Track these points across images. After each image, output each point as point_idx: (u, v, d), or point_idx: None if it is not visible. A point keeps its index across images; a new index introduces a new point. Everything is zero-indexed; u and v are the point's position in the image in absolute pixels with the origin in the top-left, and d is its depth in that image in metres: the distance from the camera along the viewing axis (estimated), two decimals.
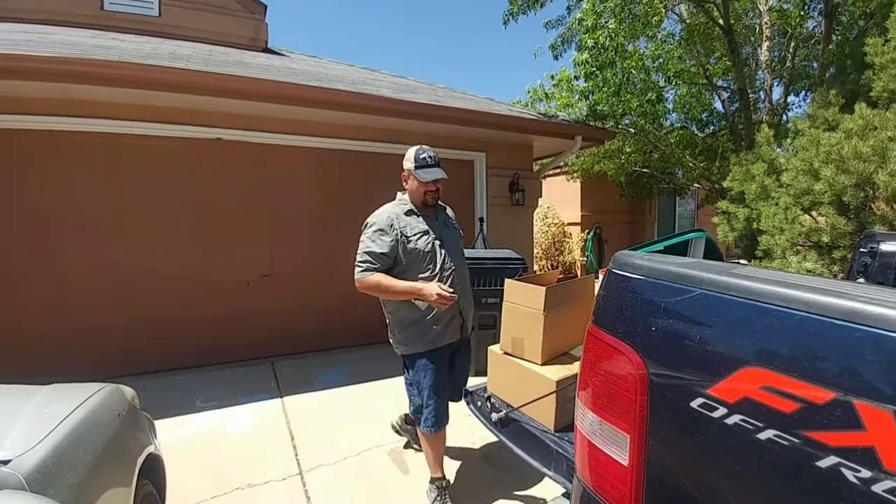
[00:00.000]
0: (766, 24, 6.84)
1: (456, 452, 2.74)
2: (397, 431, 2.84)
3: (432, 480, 2.29)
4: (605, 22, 5.72)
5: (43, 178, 3.74)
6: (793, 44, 6.84)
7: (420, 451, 2.79)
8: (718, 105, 8.38)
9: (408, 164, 2.19)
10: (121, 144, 3.94)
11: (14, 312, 3.68)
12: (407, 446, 2.87)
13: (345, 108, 4.19)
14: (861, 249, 1.92)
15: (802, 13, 6.66)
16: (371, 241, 2.10)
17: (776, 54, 7.26)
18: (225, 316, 4.39)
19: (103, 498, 1.37)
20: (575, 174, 10.17)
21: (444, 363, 2.13)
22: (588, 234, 10.29)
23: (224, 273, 4.40)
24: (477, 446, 2.86)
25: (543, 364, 1.42)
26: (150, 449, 1.79)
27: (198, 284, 4.28)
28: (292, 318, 4.67)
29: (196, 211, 4.27)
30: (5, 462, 1.16)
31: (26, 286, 3.72)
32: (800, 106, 8.43)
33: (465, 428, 2.92)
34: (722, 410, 0.73)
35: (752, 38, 7.66)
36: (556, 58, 6.62)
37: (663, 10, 6.28)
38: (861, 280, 1.85)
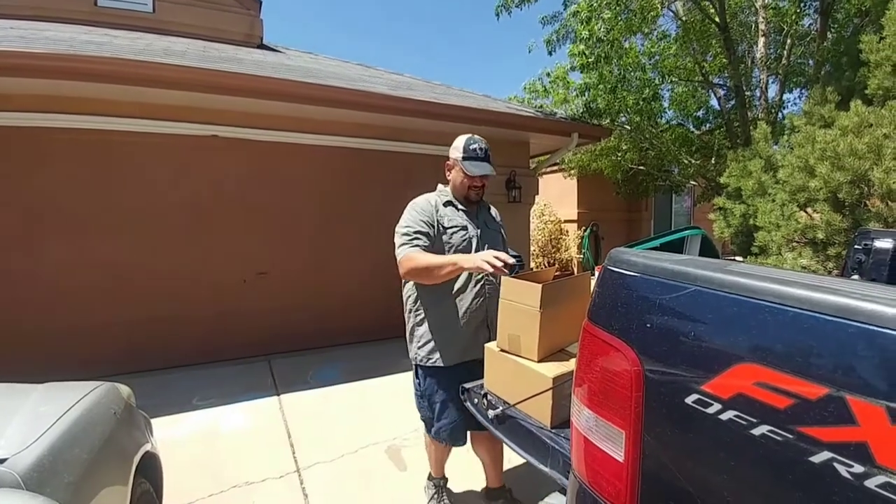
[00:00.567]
0: (761, 21, 6.85)
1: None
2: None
3: (430, 477, 2.25)
4: (600, 14, 5.71)
5: (36, 175, 3.71)
6: (788, 41, 6.86)
7: (419, 448, 2.80)
8: (714, 102, 8.41)
9: (455, 152, 1.98)
10: (115, 142, 3.91)
11: (9, 311, 3.66)
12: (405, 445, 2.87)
13: (341, 105, 4.18)
14: (856, 246, 1.92)
15: (798, 10, 6.68)
16: (414, 222, 1.88)
17: (772, 52, 7.28)
18: (221, 314, 4.38)
19: (100, 496, 1.36)
20: (571, 171, 10.18)
21: (463, 381, 1.80)
22: (585, 231, 10.31)
23: (220, 271, 4.39)
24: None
25: (539, 361, 1.42)
26: (147, 447, 1.79)
27: (194, 282, 4.27)
28: (289, 315, 4.66)
29: (192, 208, 4.25)
30: (1, 461, 1.16)
31: (21, 285, 3.70)
32: (795, 103, 8.47)
33: None
34: (716, 406, 0.73)
35: (747, 36, 7.67)
36: (550, 53, 6.62)
37: (659, 7, 6.27)
38: (855, 277, 1.86)
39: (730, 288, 0.75)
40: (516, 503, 2.19)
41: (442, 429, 1.94)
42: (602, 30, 5.73)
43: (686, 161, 7.83)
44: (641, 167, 9.12)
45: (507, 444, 1.41)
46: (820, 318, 0.65)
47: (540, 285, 1.39)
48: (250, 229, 4.50)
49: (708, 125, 8.70)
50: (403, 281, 1.97)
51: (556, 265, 9.59)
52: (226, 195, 4.38)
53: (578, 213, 10.64)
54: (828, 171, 3.44)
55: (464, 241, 1.93)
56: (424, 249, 1.83)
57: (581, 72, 6.36)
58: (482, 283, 1.92)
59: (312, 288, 4.81)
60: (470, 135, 1.99)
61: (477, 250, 1.91)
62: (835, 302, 0.64)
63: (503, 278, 1.56)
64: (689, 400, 0.77)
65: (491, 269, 1.58)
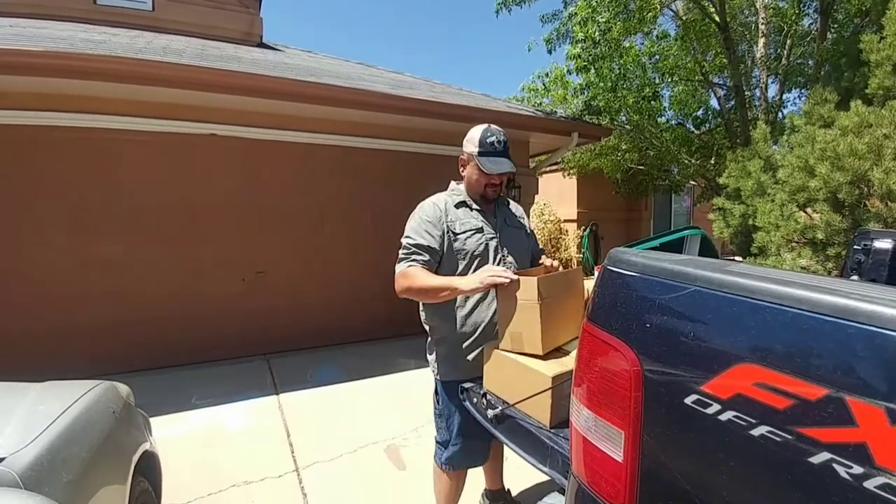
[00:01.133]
0: (762, 21, 6.84)
1: None
2: None
3: None
4: (598, 17, 5.71)
5: (33, 174, 3.71)
6: (788, 41, 6.85)
7: (418, 448, 2.80)
8: (714, 102, 8.40)
9: (469, 146, 1.78)
10: (113, 140, 3.91)
11: (6, 310, 3.65)
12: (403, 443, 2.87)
13: (340, 104, 4.18)
14: (855, 247, 1.92)
15: (798, 10, 6.67)
16: (416, 234, 1.71)
17: (772, 51, 7.27)
18: (220, 313, 4.38)
19: (99, 495, 1.36)
20: (571, 171, 10.18)
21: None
22: (584, 230, 10.31)
23: (219, 270, 4.38)
24: None
25: (545, 355, 1.42)
26: (146, 446, 1.79)
27: (192, 281, 4.27)
28: (288, 315, 4.66)
29: (190, 207, 4.25)
30: (0, 460, 1.16)
31: (18, 284, 3.70)
32: (795, 103, 8.46)
33: None
34: (715, 407, 0.73)
35: (747, 36, 7.66)
36: (549, 52, 6.62)
37: (658, 7, 6.27)
38: (855, 277, 1.86)
39: (729, 288, 0.75)
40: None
41: (458, 452, 1.79)
42: (598, 32, 5.73)
43: (685, 161, 7.83)
44: (641, 167, 9.12)
45: (505, 443, 1.41)
46: (819, 319, 0.65)
47: (535, 278, 1.39)
48: (249, 228, 4.50)
49: (708, 125, 8.69)
50: None
51: (542, 266, 9.62)
52: (224, 194, 4.38)
53: (578, 212, 10.64)
54: (827, 172, 3.44)
55: (480, 245, 1.75)
56: (426, 265, 1.68)
57: (577, 74, 6.37)
58: None
59: (311, 287, 4.81)
60: (486, 125, 1.79)
61: (496, 254, 1.77)
62: (834, 302, 0.64)
63: None
64: (689, 400, 0.77)
65: (491, 286, 1.51)
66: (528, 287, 1.41)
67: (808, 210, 3.91)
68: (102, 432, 1.54)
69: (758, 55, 6.97)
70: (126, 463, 1.60)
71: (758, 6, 6.90)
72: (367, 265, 4.92)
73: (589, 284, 1.69)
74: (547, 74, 8.29)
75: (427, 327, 1.86)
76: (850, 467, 0.59)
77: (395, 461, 2.72)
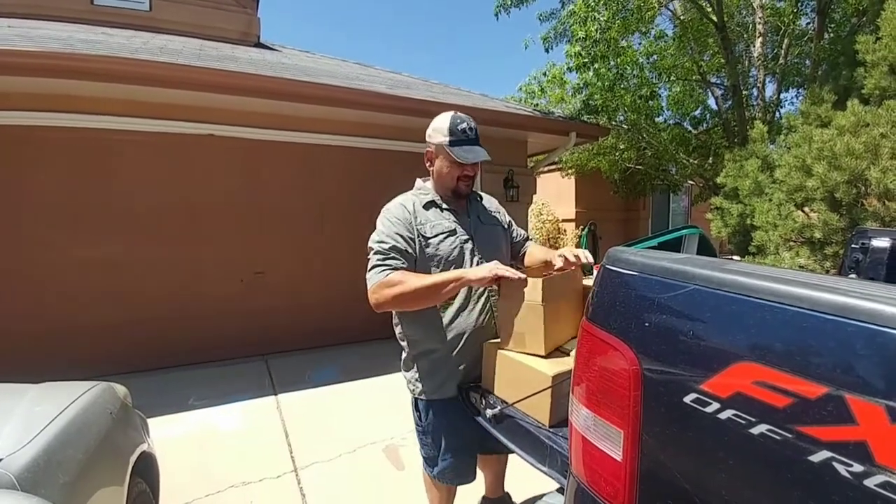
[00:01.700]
0: (759, 20, 6.86)
1: None
2: None
3: None
4: (598, 16, 5.72)
5: (31, 175, 3.70)
6: (786, 41, 6.87)
7: (416, 448, 2.79)
8: (712, 102, 8.43)
9: (437, 136, 1.60)
10: (111, 140, 3.90)
11: (4, 311, 3.64)
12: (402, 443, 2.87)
13: (338, 104, 4.17)
14: (853, 245, 1.93)
15: (795, 10, 6.70)
16: (389, 237, 1.56)
17: (769, 51, 7.29)
18: (218, 313, 4.37)
19: (96, 496, 1.36)
20: (569, 170, 10.19)
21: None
22: (582, 230, 10.32)
23: (217, 270, 4.38)
24: None
25: (547, 354, 1.42)
26: (143, 447, 1.78)
27: (191, 282, 4.26)
28: (286, 315, 4.65)
29: (188, 207, 4.24)
30: None
31: (16, 284, 3.68)
32: (792, 103, 8.50)
33: None
34: (715, 405, 0.73)
35: (745, 35, 7.68)
36: (547, 50, 6.62)
37: (657, 6, 6.28)
38: (853, 276, 1.86)
39: (729, 287, 0.75)
40: None
41: (448, 468, 1.68)
42: (597, 30, 5.74)
43: (683, 160, 7.85)
44: (639, 166, 9.14)
45: (504, 443, 1.41)
46: (819, 317, 0.64)
47: (540, 280, 1.38)
48: (247, 229, 4.49)
49: (705, 125, 8.72)
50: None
51: (543, 264, 9.66)
52: (222, 194, 4.37)
53: (576, 212, 10.66)
54: (825, 171, 3.45)
55: (454, 248, 1.59)
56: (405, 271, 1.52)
57: (577, 72, 6.37)
58: (486, 294, 1.63)
59: (310, 287, 4.80)
60: (453, 112, 1.63)
61: (472, 258, 1.60)
62: (835, 300, 0.64)
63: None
64: (688, 399, 0.77)
65: (499, 278, 1.39)
66: (533, 288, 1.40)
67: (806, 209, 3.92)
68: (100, 433, 1.53)
69: (755, 55, 7.00)
70: (123, 464, 1.59)
71: (755, 6, 6.92)
72: (365, 265, 4.90)
73: (588, 283, 1.69)
74: (544, 74, 8.30)
75: (403, 342, 1.70)
76: (850, 466, 0.59)
77: (394, 461, 2.72)
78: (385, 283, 1.50)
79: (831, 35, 6.60)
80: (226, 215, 4.39)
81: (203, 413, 3.28)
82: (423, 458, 1.78)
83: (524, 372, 1.39)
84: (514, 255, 1.93)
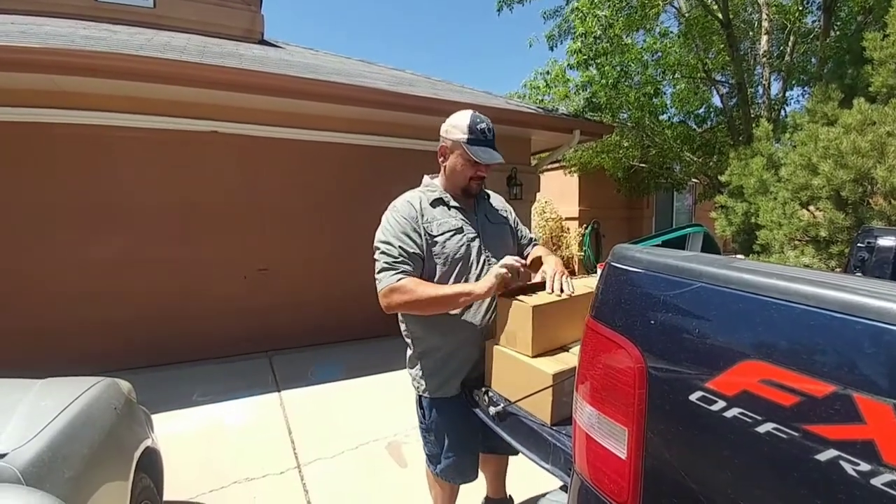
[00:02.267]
0: (764, 18, 6.82)
1: None
2: None
3: None
4: (598, 11, 5.69)
5: (33, 171, 3.71)
6: (791, 38, 6.83)
7: (419, 445, 2.80)
8: (717, 100, 8.38)
9: (455, 133, 1.58)
10: (113, 137, 3.91)
11: (9, 307, 3.66)
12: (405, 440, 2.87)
13: (341, 101, 4.17)
14: (858, 244, 1.91)
15: (801, 8, 6.64)
16: (398, 238, 1.54)
17: (774, 49, 7.25)
18: (222, 310, 4.38)
19: (100, 492, 1.37)
20: (573, 168, 10.16)
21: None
22: (586, 228, 10.30)
23: (220, 267, 4.39)
24: None
25: (547, 352, 1.42)
26: (147, 443, 1.79)
27: (194, 278, 4.27)
28: (290, 312, 4.66)
29: (192, 204, 4.25)
30: (1, 456, 1.16)
31: (20, 281, 3.70)
32: (798, 101, 8.43)
33: None
34: (721, 404, 0.73)
35: (750, 33, 7.64)
36: (551, 48, 6.61)
37: (661, 3, 6.25)
38: (858, 275, 1.85)
39: (735, 284, 0.75)
40: None
41: (450, 466, 1.68)
42: (598, 26, 5.71)
43: (687, 158, 7.82)
44: (643, 164, 9.11)
45: (508, 440, 1.41)
46: (827, 315, 0.64)
47: (531, 306, 1.38)
48: (250, 226, 4.49)
49: (710, 122, 8.67)
50: None
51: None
52: (226, 191, 4.38)
53: (580, 210, 10.63)
54: (831, 169, 3.43)
55: (460, 247, 1.58)
56: (415, 275, 1.52)
57: (577, 70, 6.34)
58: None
59: (313, 284, 4.81)
60: (471, 111, 1.63)
61: (478, 256, 1.60)
62: (842, 298, 0.63)
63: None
64: (693, 397, 0.76)
65: (508, 275, 1.43)
66: (527, 301, 1.41)
67: (811, 208, 3.90)
68: (104, 429, 1.54)
69: (760, 52, 6.96)
70: (128, 459, 1.60)
71: (760, 3, 6.88)
72: (369, 262, 4.89)
73: (591, 282, 1.68)
74: (548, 72, 8.27)
75: (409, 339, 1.71)
76: (858, 464, 0.59)
77: (397, 458, 2.72)
78: (396, 288, 1.50)
79: (837, 33, 6.55)
80: (229, 211, 4.39)
81: (207, 409, 3.29)
82: (427, 455, 1.78)
83: (526, 370, 1.38)
84: (520, 256, 1.92)
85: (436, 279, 1.58)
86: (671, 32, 7.45)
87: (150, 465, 1.84)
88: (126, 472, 1.55)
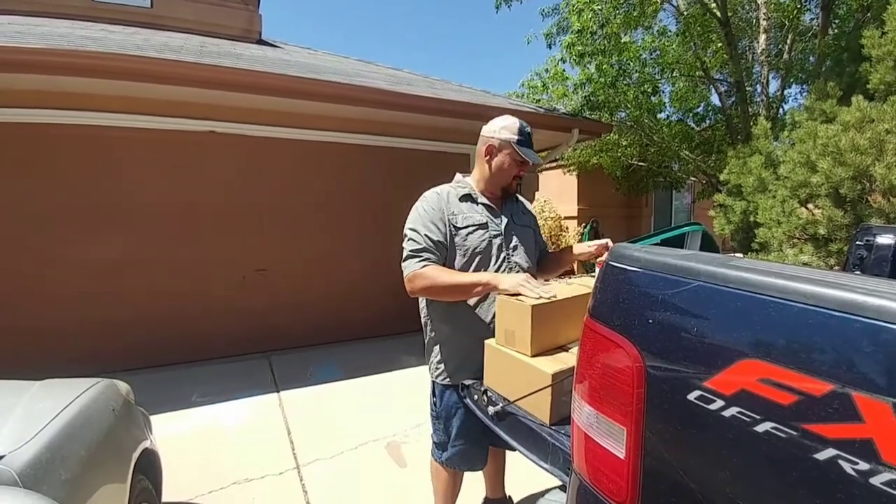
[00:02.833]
0: (763, 16, 6.81)
1: None
2: None
3: None
4: (594, 6, 5.68)
5: (30, 172, 3.70)
6: (789, 36, 6.83)
7: (419, 445, 2.80)
8: (715, 98, 8.39)
9: (506, 133, 1.68)
10: (111, 137, 3.90)
11: (6, 308, 3.65)
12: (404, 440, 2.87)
13: (339, 101, 4.16)
14: (857, 242, 1.91)
15: (799, 6, 6.65)
16: (424, 227, 1.62)
17: (773, 47, 7.25)
18: (220, 311, 4.38)
19: (98, 493, 1.36)
20: (571, 167, 10.16)
21: None
22: (585, 227, 10.30)
23: (219, 268, 4.38)
24: None
25: (545, 352, 1.42)
26: (146, 444, 1.79)
27: (192, 279, 4.26)
28: (289, 312, 4.66)
29: (190, 204, 4.24)
30: None
31: (17, 282, 3.69)
32: (796, 99, 8.45)
33: None
34: (719, 403, 0.72)
35: (748, 31, 7.63)
36: (549, 46, 6.59)
37: (659, 0, 6.24)
38: (857, 273, 1.85)
39: (733, 283, 0.74)
40: None
41: (457, 454, 1.74)
42: (594, 22, 5.70)
43: (686, 157, 7.82)
44: (641, 163, 9.11)
45: (507, 440, 1.41)
46: (826, 314, 0.64)
47: (530, 306, 1.38)
48: (249, 226, 4.49)
49: (708, 121, 8.68)
50: None
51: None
52: (224, 191, 4.37)
53: (578, 209, 10.64)
54: (829, 167, 3.42)
55: (482, 241, 1.65)
56: (439, 262, 1.61)
57: (573, 65, 6.33)
58: None
59: (312, 285, 4.80)
60: (515, 117, 1.75)
61: (499, 253, 1.67)
62: (841, 297, 0.63)
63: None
64: (692, 396, 0.76)
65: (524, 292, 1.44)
66: (526, 301, 1.41)
67: (810, 206, 3.90)
68: (102, 430, 1.53)
69: (759, 50, 6.95)
70: (126, 461, 1.59)
71: (759, 1, 6.87)
72: (367, 262, 4.92)
73: (590, 282, 1.67)
74: (546, 70, 8.27)
75: (426, 327, 1.78)
76: (856, 463, 0.59)
77: (396, 458, 2.72)
78: (419, 274, 1.58)
79: (836, 30, 6.55)
80: (227, 212, 4.39)
81: (206, 410, 3.29)
82: (434, 443, 1.83)
83: (524, 370, 1.38)
84: (539, 259, 1.96)
85: (455, 269, 1.65)
86: (669, 31, 7.45)
87: (149, 467, 1.84)
88: (124, 474, 1.55)
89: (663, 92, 7.80)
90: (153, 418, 2.08)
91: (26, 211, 3.70)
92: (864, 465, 0.58)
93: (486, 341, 1.56)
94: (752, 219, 4.34)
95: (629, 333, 0.87)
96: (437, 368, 1.75)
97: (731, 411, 0.71)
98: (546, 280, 1.80)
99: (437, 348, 1.75)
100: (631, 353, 0.85)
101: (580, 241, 10.23)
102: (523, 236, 1.78)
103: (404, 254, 1.64)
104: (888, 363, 0.58)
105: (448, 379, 1.71)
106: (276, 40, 6.69)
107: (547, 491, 1.68)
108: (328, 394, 3.63)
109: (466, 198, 1.71)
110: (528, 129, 1.71)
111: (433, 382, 1.79)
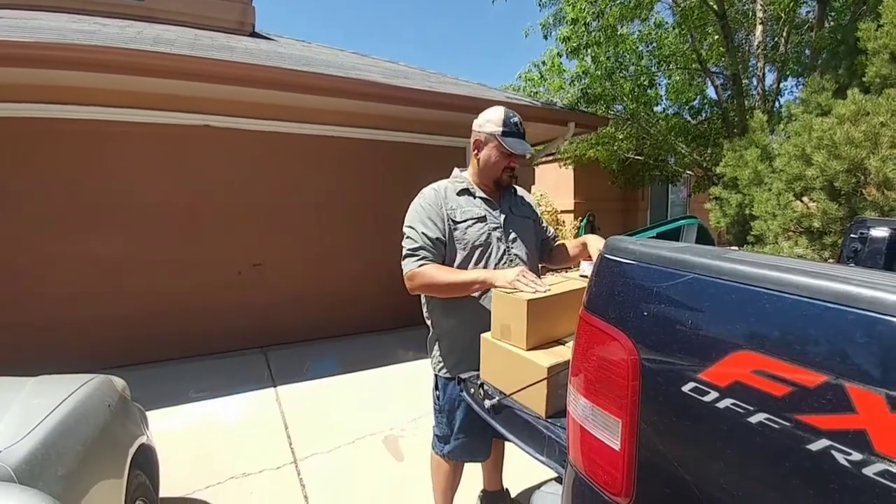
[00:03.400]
0: (759, 8, 6.80)
1: None
2: None
3: None
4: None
5: (23, 168, 3.66)
6: (786, 29, 6.82)
7: (416, 439, 2.81)
8: (711, 92, 8.38)
9: (490, 126, 1.66)
10: (104, 132, 3.86)
11: (2, 304, 3.63)
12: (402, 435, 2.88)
13: (335, 94, 4.13)
14: (851, 235, 1.92)
15: None
16: (422, 224, 1.63)
17: (769, 40, 7.24)
18: (216, 306, 4.36)
19: (94, 489, 1.36)
20: (567, 161, 10.15)
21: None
22: (581, 221, 10.31)
23: (214, 262, 4.36)
24: None
25: (541, 345, 1.42)
26: (142, 439, 1.79)
27: (188, 274, 4.25)
28: (285, 307, 4.65)
29: (185, 199, 4.21)
30: None
31: (14, 277, 3.67)
32: (792, 92, 8.45)
33: None
34: (713, 395, 0.73)
35: (745, 24, 7.62)
36: (545, 37, 6.55)
37: None
38: (851, 265, 1.86)
39: (728, 275, 0.74)
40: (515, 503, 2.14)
41: (459, 447, 1.75)
42: (589, 13, 5.67)
43: (682, 150, 7.82)
44: (638, 157, 9.11)
45: (503, 433, 1.41)
46: (819, 305, 0.64)
47: (525, 300, 1.38)
48: (245, 221, 4.47)
49: (704, 114, 8.68)
50: None
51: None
52: (219, 185, 4.34)
53: (575, 203, 10.65)
54: (824, 160, 3.43)
55: (482, 235, 1.65)
56: (437, 259, 1.62)
57: (568, 58, 6.31)
58: None
59: (308, 279, 4.79)
60: (504, 107, 1.70)
61: (498, 246, 1.67)
62: (835, 289, 0.63)
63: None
64: (686, 388, 0.76)
65: (521, 287, 1.44)
66: (521, 295, 1.40)
67: (805, 199, 3.91)
68: (98, 426, 1.53)
69: (755, 43, 6.94)
70: (122, 456, 1.59)
71: None
72: (364, 256, 4.91)
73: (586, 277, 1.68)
74: (543, 62, 8.24)
75: (429, 321, 1.79)
76: (849, 454, 0.59)
77: (394, 452, 2.73)
78: (417, 273, 1.60)
79: (832, 23, 6.54)
80: (222, 206, 4.36)
81: (202, 405, 3.29)
82: (436, 436, 1.83)
83: (520, 364, 1.38)
84: (543, 250, 1.96)
85: (456, 264, 1.66)
86: (666, 23, 7.42)
87: (146, 462, 1.84)
88: (120, 470, 1.55)
89: (659, 85, 7.79)
90: (150, 414, 2.08)
91: (20, 207, 3.66)
92: (856, 456, 0.58)
93: (483, 335, 1.56)
94: (747, 212, 4.35)
95: (624, 326, 0.87)
96: (439, 362, 1.76)
97: (725, 403, 0.71)
98: (546, 271, 1.80)
99: (438, 342, 1.76)
100: (626, 345, 0.85)
101: (576, 235, 10.25)
102: (523, 228, 1.78)
103: (403, 252, 1.65)
104: (882, 354, 0.58)
105: (450, 373, 1.73)
106: (270, 33, 6.63)
107: (543, 483, 1.69)
108: (325, 388, 3.63)
109: (464, 192, 1.71)
110: (516, 118, 1.67)
111: (436, 376, 1.80)
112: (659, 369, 0.82)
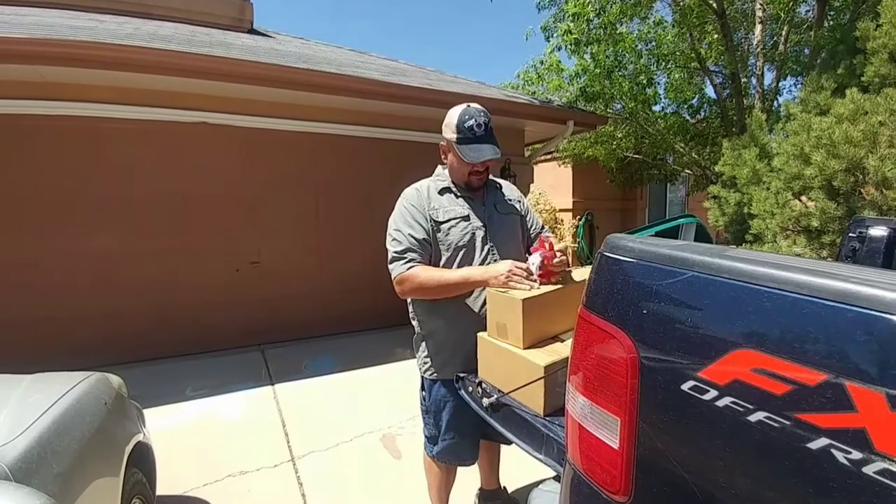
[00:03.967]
0: (758, 7, 6.80)
1: None
2: None
3: None
4: None
5: (19, 164, 3.65)
6: (785, 28, 6.82)
7: (413, 437, 2.81)
8: (710, 91, 8.38)
9: (447, 132, 1.63)
10: (101, 128, 3.85)
11: (1, 302, 3.62)
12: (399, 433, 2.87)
13: (333, 91, 4.12)
14: (850, 234, 1.92)
15: None
16: (407, 225, 1.60)
17: (768, 39, 7.24)
18: (213, 304, 4.36)
19: (91, 487, 1.35)
20: (566, 160, 10.14)
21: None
22: (579, 220, 10.31)
23: (212, 260, 4.35)
24: None
25: (538, 343, 1.42)
26: (139, 437, 1.78)
27: (186, 271, 4.24)
28: (283, 305, 4.64)
29: (182, 196, 4.20)
30: None
31: (8, 275, 3.65)
32: (791, 91, 8.46)
33: None
34: (713, 393, 0.72)
35: (744, 23, 7.61)
36: (547, 39, 6.52)
37: None
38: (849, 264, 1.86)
39: (727, 273, 0.74)
40: (513, 502, 2.14)
41: (447, 448, 1.74)
42: (591, 8, 5.65)
43: (681, 149, 7.82)
44: (636, 156, 9.11)
45: (501, 431, 1.41)
46: (819, 303, 0.63)
47: (520, 300, 1.37)
48: (242, 218, 4.46)
49: (703, 113, 8.67)
50: None
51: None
52: (216, 183, 4.33)
53: (573, 202, 10.64)
54: (823, 159, 3.43)
55: (465, 234, 1.62)
56: (424, 261, 1.59)
57: (569, 53, 6.28)
58: None
59: (306, 277, 4.78)
60: (465, 105, 1.62)
61: (483, 245, 1.64)
62: (835, 286, 0.63)
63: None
64: (686, 387, 0.76)
65: (506, 281, 1.44)
66: (516, 294, 1.40)
67: (804, 198, 3.91)
68: (94, 424, 1.52)
69: (754, 42, 6.94)
70: (119, 454, 1.59)
71: None
72: (361, 255, 4.90)
73: (585, 273, 1.67)
74: (542, 62, 8.22)
75: (414, 322, 1.77)
76: (849, 453, 0.59)
77: (391, 450, 2.73)
78: (406, 277, 1.57)
79: (831, 22, 6.54)
80: (220, 204, 4.35)
81: (200, 403, 3.28)
82: (426, 437, 1.82)
83: (517, 362, 1.38)
84: (529, 245, 1.92)
85: (441, 264, 1.63)
86: (665, 21, 7.41)
87: (142, 460, 1.83)
88: (117, 467, 1.54)
89: (658, 83, 7.78)
90: (147, 411, 2.07)
91: (16, 203, 3.65)
92: (856, 455, 0.58)
93: (479, 334, 1.56)
94: (746, 210, 4.35)
95: (623, 324, 0.86)
96: (424, 363, 1.74)
97: (725, 401, 0.71)
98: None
99: (424, 343, 1.74)
100: (625, 343, 0.85)
101: (575, 234, 10.25)
102: (508, 225, 1.75)
103: (389, 255, 1.62)
104: (881, 353, 0.58)
105: (436, 373, 1.71)
106: (268, 30, 6.61)
107: (541, 481, 1.69)
108: (323, 386, 3.63)
109: (446, 190, 1.69)
110: (472, 120, 1.57)
111: (422, 377, 1.78)
112: (658, 367, 0.81)
